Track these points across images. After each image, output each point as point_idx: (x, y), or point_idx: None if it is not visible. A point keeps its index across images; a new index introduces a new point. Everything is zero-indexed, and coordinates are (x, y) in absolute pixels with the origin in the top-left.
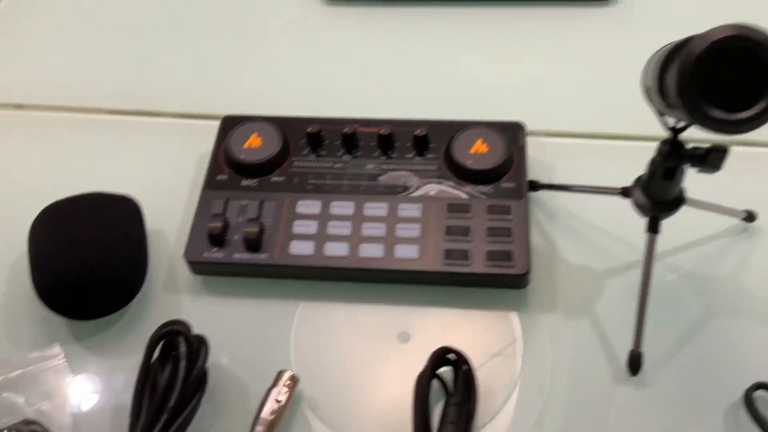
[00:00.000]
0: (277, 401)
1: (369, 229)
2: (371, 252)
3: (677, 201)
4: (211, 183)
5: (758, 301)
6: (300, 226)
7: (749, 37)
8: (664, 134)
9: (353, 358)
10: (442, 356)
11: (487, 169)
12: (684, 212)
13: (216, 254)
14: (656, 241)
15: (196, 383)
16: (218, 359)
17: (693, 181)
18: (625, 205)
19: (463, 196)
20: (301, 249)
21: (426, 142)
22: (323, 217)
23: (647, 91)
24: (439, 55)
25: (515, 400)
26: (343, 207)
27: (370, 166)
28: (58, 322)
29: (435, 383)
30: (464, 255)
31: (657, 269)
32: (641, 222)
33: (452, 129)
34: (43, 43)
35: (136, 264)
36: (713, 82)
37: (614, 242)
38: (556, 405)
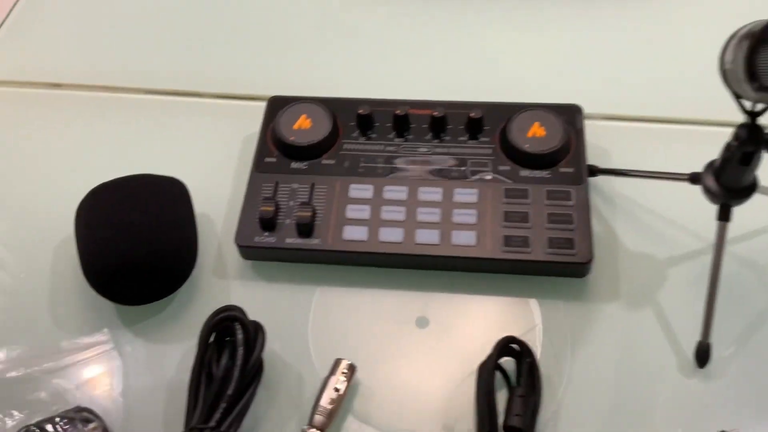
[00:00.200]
0: (336, 390)
1: (424, 215)
2: (427, 238)
3: (750, 188)
4: (259, 165)
5: None
6: (353, 211)
7: None
8: (723, 118)
9: (407, 345)
10: (506, 346)
11: (546, 153)
12: (753, 199)
13: (268, 239)
14: (727, 229)
15: (253, 371)
16: (270, 345)
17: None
18: (688, 191)
19: (520, 180)
20: (355, 234)
21: (480, 124)
22: (376, 202)
23: (727, 74)
24: (489, 34)
25: (571, 390)
26: (396, 191)
27: (423, 149)
28: (107, 306)
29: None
30: (524, 242)
31: (725, 258)
32: (705, 209)
33: (506, 111)
34: (82, 20)
35: (187, 248)
36: None
37: (677, 229)
38: (618, 397)
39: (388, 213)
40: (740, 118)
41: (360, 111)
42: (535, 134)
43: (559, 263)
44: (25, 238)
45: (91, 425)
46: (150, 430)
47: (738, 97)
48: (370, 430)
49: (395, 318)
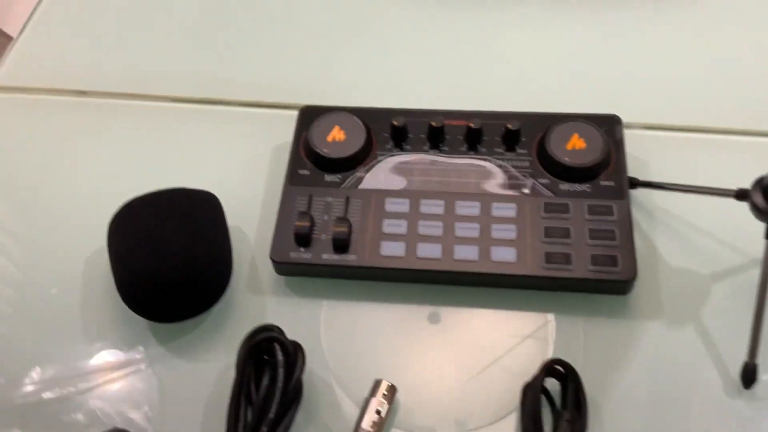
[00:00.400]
0: (377, 412)
1: (462, 230)
2: (466, 254)
3: None
4: (293, 178)
5: None
6: (390, 226)
7: None
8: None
9: (448, 364)
10: (552, 367)
11: (587, 166)
12: None
13: (303, 255)
14: None
15: (293, 393)
16: (307, 364)
17: None
18: (732, 205)
19: (560, 194)
20: (393, 250)
21: (517, 136)
22: (413, 216)
23: None
24: (522, 42)
25: (613, 410)
26: (433, 205)
27: (459, 162)
28: (141, 322)
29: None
30: (566, 259)
31: None
32: (751, 225)
33: (542, 122)
34: (108, 26)
35: (222, 264)
36: None
37: (720, 245)
38: (661, 418)
39: (426, 228)
40: None
41: (394, 122)
42: (574, 146)
43: (603, 281)
44: (55, 251)
45: None
46: None
47: None
48: None
49: (435, 335)
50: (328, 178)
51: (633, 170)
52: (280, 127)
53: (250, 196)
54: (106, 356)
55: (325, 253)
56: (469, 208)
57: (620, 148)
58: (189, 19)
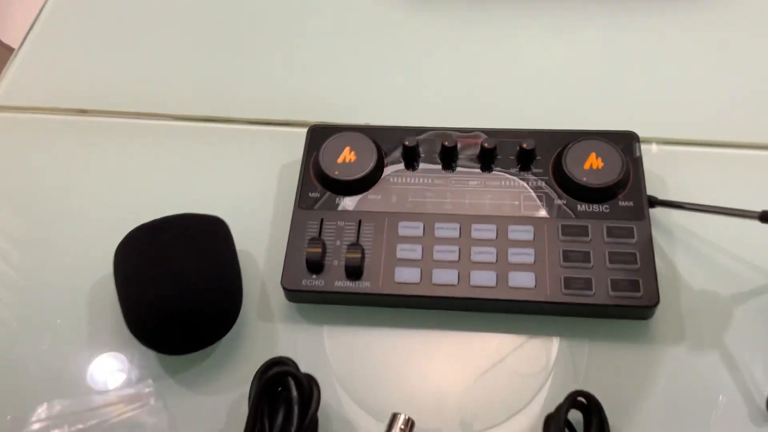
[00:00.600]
0: None
1: (478, 254)
2: (483, 280)
3: None
4: (303, 202)
5: None
6: (404, 251)
7: None
8: None
9: (469, 393)
10: (575, 399)
11: (605, 186)
12: None
13: (315, 282)
14: None
15: (309, 429)
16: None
17: None
18: (756, 226)
19: (578, 216)
20: (407, 276)
21: (532, 155)
22: (427, 241)
23: None
24: (534, 56)
25: None
26: (447, 229)
27: (473, 182)
28: (149, 354)
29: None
30: (586, 284)
31: None
32: None
33: (557, 140)
34: (109, 42)
35: (232, 293)
36: None
37: (744, 266)
38: None
39: (441, 253)
40: None
41: (406, 142)
42: (591, 165)
43: (624, 306)
44: (58, 279)
45: None
46: None
47: None
48: None
49: (452, 361)
50: (339, 200)
51: (651, 188)
52: (288, 145)
53: (259, 219)
54: (115, 390)
55: (337, 280)
56: (484, 231)
57: (638, 167)
58: (193, 34)
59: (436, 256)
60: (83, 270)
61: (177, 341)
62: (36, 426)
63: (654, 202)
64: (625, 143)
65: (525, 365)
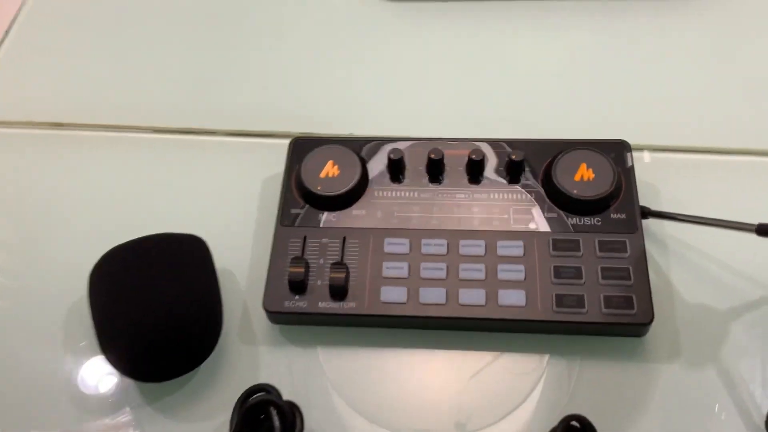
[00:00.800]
0: None
1: (466, 272)
2: (472, 298)
3: None
4: (285, 218)
5: None
6: (390, 269)
7: None
8: None
9: (458, 415)
10: (568, 423)
11: (597, 198)
12: None
13: (298, 303)
14: None
15: None
16: (306, 422)
17: None
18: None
19: (569, 230)
20: (393, 296)
21: (521, 166)
22: (414, 258)
23: None
24: (521, 62)
25: None
26: (434, 245)
27: (460, 195)
28: (126, 380)
29: None
30: (578, 301)
31: None
32: None
33: (547, 150)
34: (85, 53)
35: (211, 318)
36: None
37: (741, 280)
38: None
39: (428, 270)
40: None
41: (391, 155)
42: (582, 177)
43: (618, 324)
44: (32, 300)
45: None
46: None
47: None
48: None
49: (441, 382)
50: (323, 216)
51: (643, 198)
52: (270, 157)
53: (240, 235)
54: (93, 419)
55: (321, 300)
56: (473, 247)
57: (630, 177)
58: (170, 44)
59: (423, 274)
60: (57, 293)
61: (154, 370)
62: None
63: (647, 213)
64: (617, 152)
65: (515, 385)
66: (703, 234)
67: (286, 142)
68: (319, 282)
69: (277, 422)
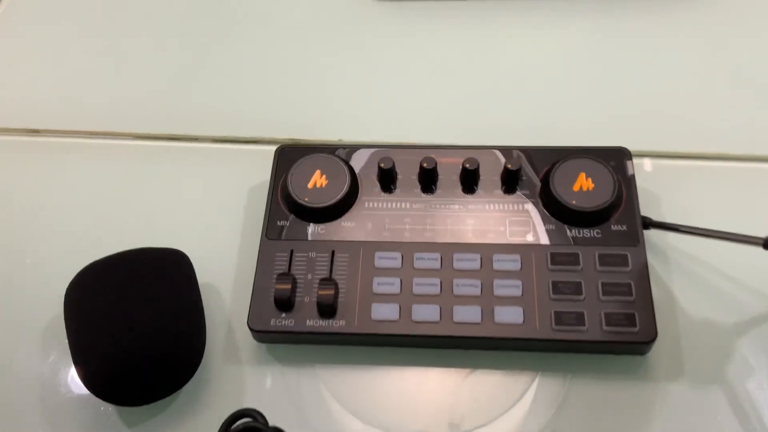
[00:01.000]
0: None
1: (461, 287)
2: (467, 316)
3: None
4: (271, 231)
5: None
6: (381, 285)
7: None
8: None
9: None
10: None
11: (597, 209)
12: None
13: (285, 321)
14: None
15: None
16: None
17: None
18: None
19: (568, 242)
20: (385, 313)
21: (517, 175)
22: (406, 273)
23: None
24: (513, 64)
25: None
26: (427, 259)
27: (454, 206)
28: (104, 405)
29: None
30: (578, 319)
31: None
32: None
33: (544, 157)
34: (62, 58)
35: (193, 338)
36: None
37: (746, 294)
38: None
39: (421, 286)
40: None
41: (381, 165)
42: (581, 187)
43: (619, 342)
44: (5, 319)
45: None
46: None
47: None
48: None
49: (435, 402)
50: (310, 229)
51: (645, 207)
52: (256, 164)
53: (224, 249)
54: None
55: (309, 318)
56: (468, 261)
57: (631, 186)
58: (150, 47)
59: (416, 290)
60: (30, 312)
61: (132, 394)
62: None
63: (648, 224)
64: (617, 160)
65: (512, 404)
66: (707, 245)
67: (273, 148)
68: (306, 299)
69: None
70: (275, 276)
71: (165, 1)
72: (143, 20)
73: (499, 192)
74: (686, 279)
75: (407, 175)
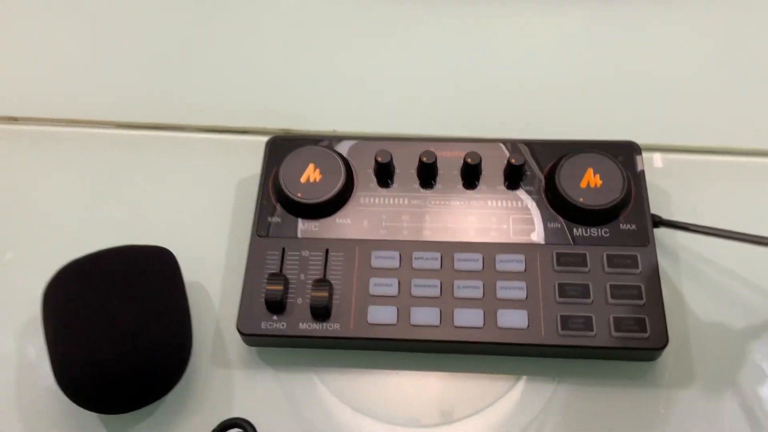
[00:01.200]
0: None
1: (462, 289)
2: (468, 320)
3: None
4: (261, 228)
5: None
6: (378, 286)
7: None
8: None
9: None
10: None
11: (605, 207)
12: None
13: (276, 324)
14: None
15: None
16: None
17: None
18: None
19: (575, 242)
20: (382, 316)
21: (521, 170)
22: (404, 273)
23: None
24: (518, 54)
25: None
26: (427, 259)
27: (455, 202)
28: (86, 413)
29: None
30: (586, 323)
31: None
32: None
33: (550, 151)
34: (42, 43)
35: (180, 340)
36: None
37: (759, 296)
38: None
39: (420, 288)
40: None
41: (378, 158)
42: (589, 183)
43: (628, 349)
44: None
45: None
46: None
47: None
48: None
49: (434, 408)
50: (303, 226)
51: (655, 204)
52: (247, 156)
53: (211, 246)
54: None
55: (302, 321)
56: (469, 261)
57: (641, 183)
58: (133, 31)
59: (415, 291)
60: (5, 313)
61: (115, 401)
62: None
63: (658, 222)
64: (625, 155)
65: (516, 411)
66: (719, 245)
67: (264, 139)
68: (299, 300)
69: None
70: (266, 276)
71: None
72: (125, 3)
73: (502, 188)
74: (697, 280)
75: (406, 169)
